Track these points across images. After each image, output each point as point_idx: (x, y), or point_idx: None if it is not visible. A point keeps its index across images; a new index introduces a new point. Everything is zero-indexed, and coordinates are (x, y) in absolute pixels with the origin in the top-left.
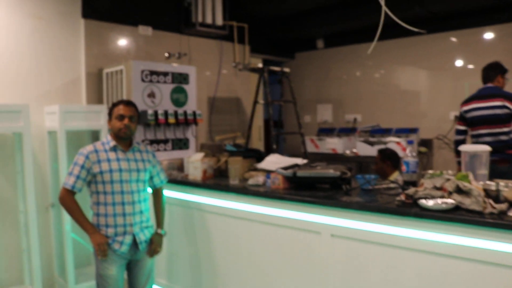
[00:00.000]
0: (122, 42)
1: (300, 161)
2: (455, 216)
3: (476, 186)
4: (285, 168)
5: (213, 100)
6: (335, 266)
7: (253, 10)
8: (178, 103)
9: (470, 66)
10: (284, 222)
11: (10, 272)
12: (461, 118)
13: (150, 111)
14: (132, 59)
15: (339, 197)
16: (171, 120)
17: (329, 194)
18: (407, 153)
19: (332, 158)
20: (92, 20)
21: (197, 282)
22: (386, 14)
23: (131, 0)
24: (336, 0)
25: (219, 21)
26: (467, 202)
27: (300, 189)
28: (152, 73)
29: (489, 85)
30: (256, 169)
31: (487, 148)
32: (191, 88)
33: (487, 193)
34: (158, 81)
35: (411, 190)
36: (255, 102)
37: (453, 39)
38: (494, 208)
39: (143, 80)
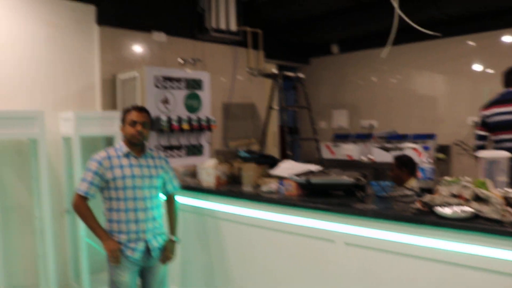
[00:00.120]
0: (136, 48)
1: (314, 167)
2: (473, 224)
3: (495, 193)
4: (299, 175)
5: (228, 106)
6: (349, 275)
7: (267, 15)
8: (192, 109)
9: (489, 70)
10: (298, 230)
11: (26, 277)
12: (482, 124)
13: (163, 117)
14: (146, 65)
15: (354, 204)
16: (185, 126)
17: (343, 201)
18: (423, 160)
19: (348, 164)
20: (107, 26)
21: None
22: (401, 17)
23: (145, 7)
24: (350, 4)
25: (233, 26)
26: (485, 210)
27: (314, 196)
28: (166, 79)
29: (511, 89)
30: (269, 176)
31: (507, 154)
32: (205, 94)
33: (507, 201)
34: (171, 87)
35: (427, 198)
36: (270, 108)
37: (471, 43)
38: None
39: (156, 86)
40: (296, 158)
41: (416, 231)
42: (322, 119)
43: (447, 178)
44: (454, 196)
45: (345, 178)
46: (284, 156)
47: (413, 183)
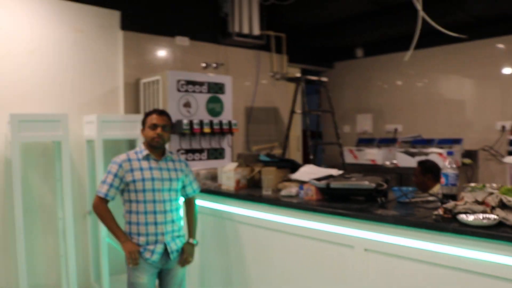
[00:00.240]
0: (160, 52)
1: (335, 172)
2: (498, 233)
3: None
4: (319, 179)
5: (251, 110)
6: (368, 282)
7: (291, 20)
8: (213, 112)
9: None
10: (316, 235)
11: (49, 277)
12: None
13: (185, 121)
14: (169, 69)
15: (374, 210)
16: (206, 129)
17: (364, 207)
18: (447, 165)
19: (371, 169)
20: (131, 31)
21: None
22: (426, 20)
23: (169, 12)
24: (375, 8)
25: (256, 31)
26: (511, 218)
27: (333, 201)
28: (188, 83)
29: None
30: (289, 180)
31: None
32: (227, 98)
33: None
34: (194, 91)
35: (450, 204)
36: (292, 112)
37: (500, 45)
38: None
39: (179, 90)
40: (319, 162)
41: (437, 238)
42: (346, 123)
43: (471, 184)
44: (479, 203)
45: (366, 183)
46: (307, 160)
47: (438, 189)
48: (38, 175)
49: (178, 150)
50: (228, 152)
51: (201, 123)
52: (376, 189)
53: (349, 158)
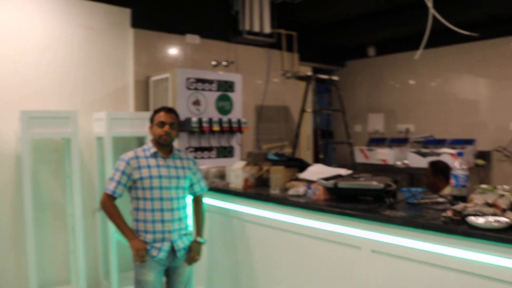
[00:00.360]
0: (170, 50)
1: (344, 171)
2: (509, 236)
3: None
4: (327, 179)
5: (261, 109)
6: (375, 283)
7: (302, 18)
8: (223, 110)
9: None
10: (323, 235)
11: (58, 272)
12: None
13: (194, 119)
14: (179, 67)
15: (382, 210)
16: (216, 127)
17: (371, 207)
18: (456, 166)
19: (382, 169)
20: (141, 29)
21: None
22: (439, 18)
23: (179, 10)
24: (387, 6)
25: (267, 29)
26: None
27: (341, 201)
28: (198, 80)
29: None
30: (297, 179)
31: None
32: (236, 96)
33: None
34: (203, 89)
35: (459, 206)
36: (302, 110)
37: None
38: None
39: (188, 88)
40: (330, 162)
41: (446, 240)
42: (358, 122)
43: (482, 186)
44: (489, 205)
45: (374, 183)
46: (317, 159)
47: (449, 191)
48: (49, 171)
49: (187, 148)
50: (237, 150)
51: (210, 121)
52: (385, 190)
53: (360, 158)
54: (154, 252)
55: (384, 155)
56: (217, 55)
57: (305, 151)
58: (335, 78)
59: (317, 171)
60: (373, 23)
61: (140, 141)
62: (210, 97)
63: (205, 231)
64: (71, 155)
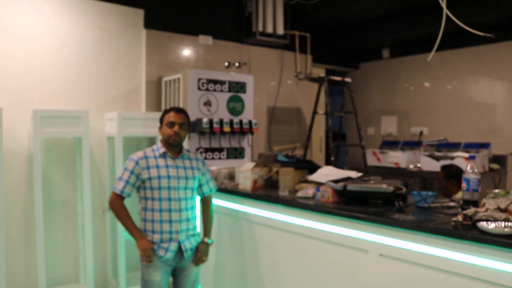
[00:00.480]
0: (182, 51)
1: (354, 174)
2: None
3: None
4: (337, 181)
5: (273, 110)
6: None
7: (316, 19)
8: (234, 112)
9: None
10: (331, 238)
11: (68, 271)
12: None
13: (205, 119)
14: (191, 68)
15: (391, 214)
16: (226, 128)
17: (380, 211)
18: (468, 170)
19: (394, 172)
20: (154, 30)
21: None
22: (454, 20)
23: (192, 11)
24: (402, 8)
25: (280, 30)
26: None
27: (350, 204)
28: (209, 81)
29: None
30: (307, 181)
31: None
32: (248, 97)
33: None
34: (214, 90)
35: (470, 211)
36: (314, 112)
37: None
38: None
39: (199, 89)
40: (342, 164)
41: (455, 245)
42: (371, 125)
43: (496, 190)
44: (501, 210)
45: (384, 186)
46: (329, 162)
47: (461, 195)
48: (61, 171)
49: (197, 149)
50: (248, 151)
51: (221, 122)
52: (395, 193)
53: (372, 161)
54: (161, 252)
55: (397, 158)
56: (230, 56)
57: (317, 154)
58: (348, 80)
59: (327, 173)
60: (387, 24)
61: (151, 141)
62: (221, 98)
63: (213, 232)
64: (82, 155)
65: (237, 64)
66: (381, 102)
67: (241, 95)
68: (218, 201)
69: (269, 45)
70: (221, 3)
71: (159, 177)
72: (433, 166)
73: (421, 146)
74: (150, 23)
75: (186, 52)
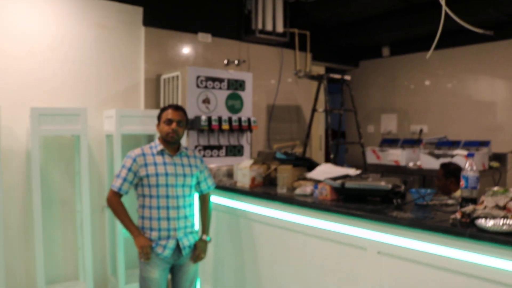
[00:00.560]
0: (182, 49)
1: (352, 171)
2: None
3: None
4: (334, 179)
5: (272, 108)
6: (380, 285)
7: (315, 17)
8: (233, 109)
9: None
10: (329, 235)
11: (67, 268)
12: None
13: (203, 117)
14: (191, 66)
15: (389, 211)
16: (225, 126)
17: (378, 208)
18: (467, 167)
19: (394, 170)
20: (153, 28)
21: None
22: (455, 18)
23: (191, 8)
24: (402, 5)
25: (280, 28)
26: None
27: (348, 202)
28: (208, 79)
29: None
30: (305, 179)
31: None
32: (247, 95)
33: None
34: (213, 87)
35: (468, 208)
36: (313, 110)
37: None
38: None
39: (198, 86)
40: (342, 162)
41: (453, 243)
42: (371, 123)
43: (495, 188)
44: (500, 208)
45: (382, 183)
46: (328, 160)
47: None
48: (60, 169)
49: (196, 147)
50: (247, 149)
51: (219, 120)
52: (393, 191)
53: (371, 159)
54: (159, 250)
55: (396, 156)
56: (229, 54)
57: (317, 151)
58: (347, 77)
59: (325, 171)
60: (387, 23)
61: (150, 139)
62: (220, 96)
63: (211, 230)
64: (80, 152)
65: (236, 62)
66: (381, 100)
67: (240, 92)
68: (216, 199)
69: (268, 43)
70: (220, 1)
71: (156, 175)
72: (433, 164)
73: (420, 144)
74: (149, 21)
75: (185, 50)
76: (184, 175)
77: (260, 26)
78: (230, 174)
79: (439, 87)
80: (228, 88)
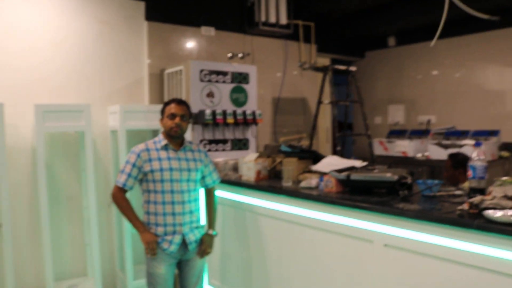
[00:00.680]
0: (185, 43)
1: (358, 163)
2: None
3: None
4: (340, 171)
5: (278, 101)
6: (387, 278)
7: (320, 8)
8: (237, 103)
9: None
10: (335, 228)
11: (75, 264)
12: None
13: (208, 111)
14: (193, 59)
15: (395, 203)
16: (230, 120)
17: (384, 200)
18: (474, 156)
19: (402, 161)
20: (155, 22)
21: (248, 284)
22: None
23: (194, 2)
24: None
25: (283, 20)
26: None
27: (354, 194)
28: (211, 72)
29: None
30: (310, 171)
31: None
32: (251, 88)
33: None
34: (217, 81)
35: (476, 199)
36: (319, 102)
37: None
38: None
39: (202, 80)
40: (349, 154)
41: (461, 235)
42: (378, 114)
43: (504, 178)
44: (509, 198)
45: (388, 175)
46: (335, 152)
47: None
48: (66, 165)
49: (201, 141)
50: (252, 142)
51: (224, 114)
52: (399, 182)
53: (379, 150)
54: (165, 245)
55: (404, 147)
56: (233, 47)
57: (324, 144)
58: (352, 68)
59: (331, 163)
60: (393, 12)
61: (155, 134)
62: (224, 89)
63: (217, 224)
64: (85, 149)
65: (240, 55)
66: (388, 91)
67: (244, 85)
68: (222, 193)
69: (272, 35)
70: None
71: (161, 170)
72: (441, 154)
73: (429, 134)
74: (151, 15)
75: (189, 43)
76: (189, 170)
77: (263, 19)
78: (237, 168)
79: (447, 77)
80: (232, 81)
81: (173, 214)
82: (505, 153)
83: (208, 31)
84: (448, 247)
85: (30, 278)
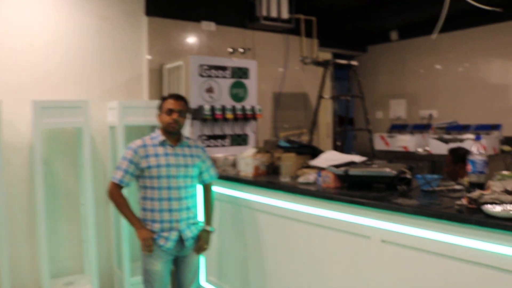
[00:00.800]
0: (185, 38)
1: (357, 158)
2: None
3: None
4: (338, 166)
5: (279, 96)
6: (385, 274)
7: (321, 2)
8: (237, 98)
9: None
10: (332, 224)
11: (72, 261)
12: None
13: (207, 106)
14: (194, 55)
15: (393, 199)
16: (229, 115)
17: (382, 195)
18: (474, 150)
19: (403, 156)
20: (155, 17)
21: (245, 281)
22: None
23: None
24: None
25: (285, 14)
26: None
27: (353, 189)
28: (211, 67)
29: None
30: (309, 167)
31: None
32: (251, 83)
33: None
34: (217, 76)
35: (475, 194)
36: (320, 97)
37: None
38: None
39: (201, 75)
40: (350, 149)
41: (459, 230)
42: (380, 109)
43: (504, 172)
44: (508, 192)
45: (386, 170)
46: (335, 147)
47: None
48: (64, 161)
49: (200, 136)
50: (252, 138)
51: (223, 109)
52: (398, 177)
53: (380, 145)
54: (161, 242)
55: (405, 141)
56: (234, 42)
57: (325, 139)
58: (354, 63)
59: (329, 158)
60: (396, 6)
61: (153, 130)
62: (223, 84)
63: (215, 220)
64: (82, 145)
65: (241, 50)
66: (389, 85)
67: (244, 81)
68: (219, 189)
69: (273, 29)
70: None
71: (158, 166)
72: (442, 149)
73: (430, 129)
74: (151, 10)
75: (189, 39)
76: (186, 166)
77: (264, 13)
78: (229, 163)
79: (449, 71)
80: (232, 76)
81: (170, 210)
82: (507, 148)
83: (209, 26)
84: (447, 243)
85: (27, 275)
